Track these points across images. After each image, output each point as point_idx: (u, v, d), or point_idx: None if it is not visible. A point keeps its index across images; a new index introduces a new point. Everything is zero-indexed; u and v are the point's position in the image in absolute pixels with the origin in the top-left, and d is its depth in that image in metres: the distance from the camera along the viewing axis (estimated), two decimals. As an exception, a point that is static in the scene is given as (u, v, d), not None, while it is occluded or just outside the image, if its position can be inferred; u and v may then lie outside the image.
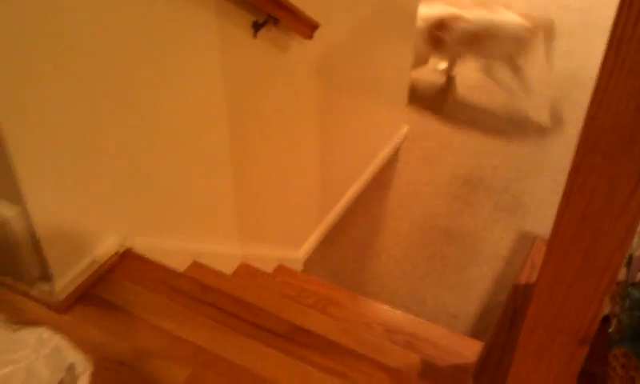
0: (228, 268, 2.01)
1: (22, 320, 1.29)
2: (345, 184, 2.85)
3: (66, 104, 1.25)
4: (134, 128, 1.46)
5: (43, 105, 1.20)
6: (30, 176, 1.22)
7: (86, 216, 1.39)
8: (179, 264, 1.71)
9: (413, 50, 3.19)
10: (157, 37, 1.46)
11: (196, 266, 1.75)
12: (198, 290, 1.41)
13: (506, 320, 1.05)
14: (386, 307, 1.99)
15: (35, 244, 1.29)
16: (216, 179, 1.88)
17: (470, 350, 1.42)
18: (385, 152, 3.17)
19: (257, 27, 1.87)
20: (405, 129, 3.36)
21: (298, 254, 2.52)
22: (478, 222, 2.69)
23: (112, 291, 1.39)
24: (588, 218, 0.74)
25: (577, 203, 0.73)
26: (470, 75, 3.81)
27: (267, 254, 2.26)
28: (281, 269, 2.22)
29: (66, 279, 1.36)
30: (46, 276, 1.34)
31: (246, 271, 1.96)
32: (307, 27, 2.03)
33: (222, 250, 1.98)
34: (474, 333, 2.16)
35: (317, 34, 2.05)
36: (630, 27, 0.60)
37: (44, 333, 1.11)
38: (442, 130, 3.37)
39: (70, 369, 1.10)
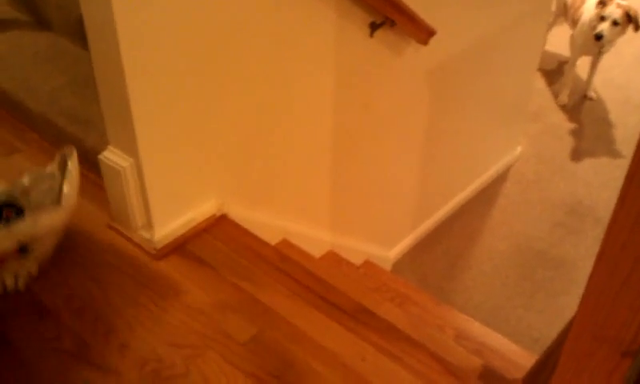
0: (316, 252, 2.10)
1: (125, 264, 1.46)
2: (446, 194, 2.86)
3: (190, 77, 1.39)
4: (247, 107, 1.59)
5: (169, 72, 1.35)
6: (146, 133, 1.37)
7: (192, 177, 1.53)
8: (270, 238, 1.81)
9: (536, 69, 3.12)
10: (281, 26, 1.57)
11: (285, 242, 1.85)
12: (279, 261, 1.51)
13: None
14: (465, 317, 1.99)
15: (143, 194, 1.45)
16: (316, 166, 1.98)
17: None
18: (493, 170, 3.13)
19: (374, 27, 1.94)
20: (518, 150, 3.30)
21: (388, 253, 2.56)
22: (578, 251, 2.60)
23: (204, 249, 1.52)
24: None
25: (630, 209, 0.73)
26: (598, 108, 3.66)
27: (357, 247, 2.33)
28: (367, 264, 2.28)
29: (166, 230, 1.50)
30: (148, 225, 1.49)
31: (332, 258, 2.04)
32: (423, 32, 2.07)
33: (313, 234, 2.08)
34: (555, 360, 2.09)
35: (435, 41, 2.09)
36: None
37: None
38: (558, 155, 3.27)
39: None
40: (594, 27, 3.37)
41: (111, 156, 1.44)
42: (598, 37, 3.33)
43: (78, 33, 1.91)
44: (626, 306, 0.81)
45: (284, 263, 1.50)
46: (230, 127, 1.57)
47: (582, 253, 2.59)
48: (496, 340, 1.84)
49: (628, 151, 3.28)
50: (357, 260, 2.32)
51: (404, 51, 2.11)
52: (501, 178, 3.10)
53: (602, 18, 3.33)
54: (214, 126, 1.52)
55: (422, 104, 2.36)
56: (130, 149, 1.39)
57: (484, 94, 2.75)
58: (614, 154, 3.27)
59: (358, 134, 2.09)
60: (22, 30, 2.09)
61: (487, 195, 2.99)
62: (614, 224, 0.76)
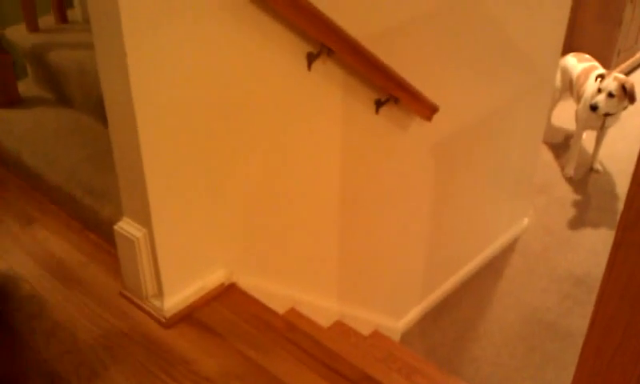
0: (324, 322, 2.12)
1: (136, 332, 1.49)
2: (454, 265, 2.88)
3: (202, 152, 1.46)
4: (255, 178, 1.66)
5: (182, 149, 1.42)
6: (159, 205, 1.43)
7: (202, 247, 1.58)
8: (279, 307, 1.84)
9: (540, 142, 3.19)
10: (291, 102, 1.66)
11: (293, 311, 1.88)
12: (286, 329, 1.53)
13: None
14: (473, 388, 1.98)
15: (155, 264, 1.50)
16: (324, 237, 2.02)
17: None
18: (500, 242, 3.15)
19: (379, 104, 2.03)
20: (525, 222, 3.33)
21: (397, 324, 2.57)
22: (586, 322, 2.58)
23: (212, 317, 1.55)
24: (629, 293, 0.77)
25: (618, 278, 0.76)
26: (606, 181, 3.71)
27: (365, 317, 2.34)
28: (376, 334, 2.28)
29: (175, 299, 1.54)
30: (159, 293, 1.53)
31: (340, 328, 2.05)
32: (427, 109, 2.15)
33: (321, 303, 2.10)
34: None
35: (439, 116, 2.16)
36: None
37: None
38: (565, 227, 3.30)
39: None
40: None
41: (125, 226, 1.50)
42: (593, 108, 3.42)
43: (98, 110, 2.01)
44: (618, 372, 0.83)
45: (291, 332, 1.52)
46: (239, 198, 1.63)
47: (592, 324, 2.58)
48: (504, 412, 1.82)
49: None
50: (365, 330, 2.33)
51: (409, 126, 2.19)
52: (508, 250, 3.13)
53: (599, 91, 3.43)
54: (223, 198, 1.58)
55: (428, 176, 2.41)
56: (144, 220, 1.45)
57: (489, 167, 2.81)
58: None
59: (365, 205, 2.15)
60: (45, 107, 2.20)
61: (495, 267, 3.01)
62: (603, 293, 0.80)
